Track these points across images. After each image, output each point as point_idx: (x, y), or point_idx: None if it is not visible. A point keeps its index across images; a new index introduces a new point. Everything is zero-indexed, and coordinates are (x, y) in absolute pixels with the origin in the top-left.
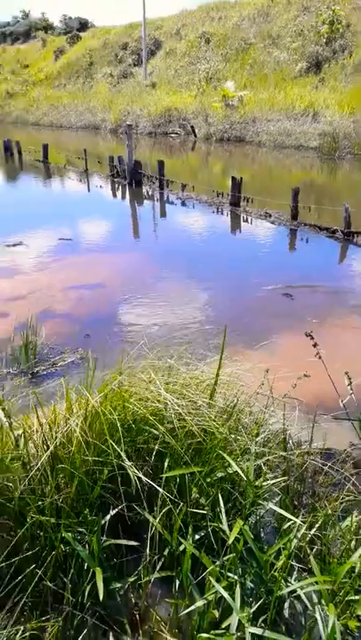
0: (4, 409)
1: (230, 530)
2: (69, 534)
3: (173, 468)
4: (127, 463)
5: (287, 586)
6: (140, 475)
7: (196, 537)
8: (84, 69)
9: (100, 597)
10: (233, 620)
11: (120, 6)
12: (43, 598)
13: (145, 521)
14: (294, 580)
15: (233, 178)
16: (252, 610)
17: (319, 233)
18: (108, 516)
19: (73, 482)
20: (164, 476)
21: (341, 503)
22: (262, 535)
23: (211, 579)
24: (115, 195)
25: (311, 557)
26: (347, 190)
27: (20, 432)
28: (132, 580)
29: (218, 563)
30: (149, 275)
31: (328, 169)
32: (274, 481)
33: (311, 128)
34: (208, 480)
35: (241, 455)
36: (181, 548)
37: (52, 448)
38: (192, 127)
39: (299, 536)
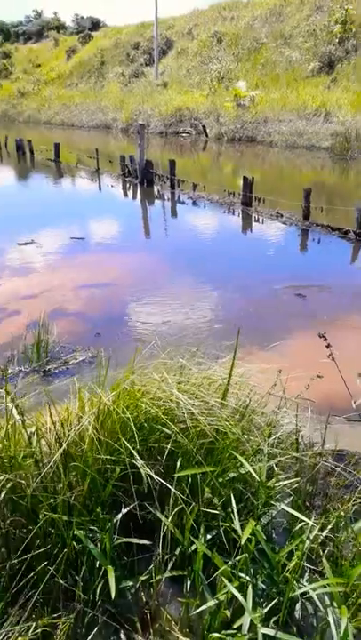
0: (17, 406)
1: (242, 530)
2: (81, 532)
3: (185, 468)
4: (139, 462)
5: (299, 587)
6: (152, 473)
7: (208, 537)
8: (95, 69)
9: (112, 595)
10: (245, 621)
11: (132, 6)
12: (54, 595)
13: (156, 520)
14: (306, 582)
15: (245, 177)
16: (265, 610)
17: (331, 233)
18: (119, 515)
19: (85, 480)
20: (177, 475)
21: (353, 505)
22: (274, 536)
23: (223, 578)
24: (126, 194)
25: (323, 559)
26: (359, 191)
27: (33, 429)
28: (143, 578)
29: (230, 563)
30: (160, 274)
31: (340, 169)
32: (286, 482)
33: (323, 128)
34: (220, 480)
35: (253, 456)
36: (193, 547)
37: (64, 446)
38: (203, 127)
39: (311, 537)
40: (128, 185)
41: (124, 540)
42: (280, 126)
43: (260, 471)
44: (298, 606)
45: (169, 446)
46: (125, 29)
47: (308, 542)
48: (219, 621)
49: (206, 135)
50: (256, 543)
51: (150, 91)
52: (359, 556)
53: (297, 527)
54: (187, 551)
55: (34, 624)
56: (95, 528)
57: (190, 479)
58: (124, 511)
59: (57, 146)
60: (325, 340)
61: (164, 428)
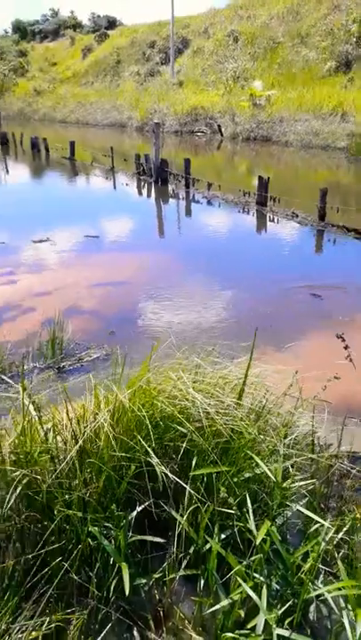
0: (33, 402)
1: (257, 530)
2: (96, 529)
3: (201, 467)
4: (155, 460)
5: (314, 589)
6: (167, 472)
7: (222, 536)
8: (111, 67)
9: (127, 593)
10: (259, 621)
11: (148, 5)
12: (68, 591)
13: (171, 518)
14: (321, 584)
15: (260, 177)
16: (281, 611)
17: (347, 234)
18: (134, 512)
19: (101, 477)
20: (192, 474)
21: None
22: (288, 537)
23: (238, 578)
24: (140, 192)
25: (339, 561)
26: None
27: (50, 426)
28: (156, 576)
29: (244, 563)
30: (175, 273)
31: (356, 169)
32: (302, 483)
33: (340, 128)
34: (235, 480)
35: (269, 456)
36: (207, 546)
37: (80, 442)
38: (219, 126)
39: (327, 539)
40: (143, 183)
41: (139, 537)
42: (296, 126)
43: (275, 472)
44: (312, 608)
45: (184, 445)
46: (141, 28)
47: (323, 544)
48: (232, 621)
49: (221, 134)
50: (271, 544)
51: (166, 89)
52: None
53: (312, 529)
54: (201, 550)
55: (47, 619)
56: (110, 525)
57: (205, 478)
58: (138, 509)
59: (72, 144)
60: (343, 340)
61: (179, 427)
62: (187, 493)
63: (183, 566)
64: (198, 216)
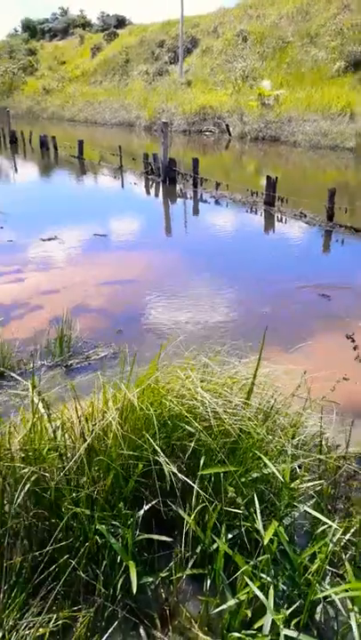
0: (43, 400)
1: (265, 531)
2: (103, 526)
3: (208, 466)
4: (162, 458)
5: (322, 590)
6: (176, 471)
7: (229, 536)
8: (120, 66)
9: (134, 591)
10: (266, 621)
11: (158, 4)
12: (75, 588)
13: (177, 517)
14: (328, 585)
15: (268, 177)
16: (288, 612)
17: (355, 235)
18: (141, 511)
19: (108, 475)
20: (200, 473)
21: None
22: (295, 538)
23: (246, 578)
24: (148, 192)
25: (346, 563)
26: None
27: (58, 423)
28: (163, 575)
29: (251, 563)
30: (182, 272)
31: None
32: (310, 484)
33: (348, 128)
34: (243, 480)
35: (277, 457)
36: (214, 546)
37: (89, 440)
38: (227, 126)
39: (334, 540)
40: (151, 183)
41: (147, 536)
42: (304, 126)
43: (283, 472)
44: (319, 609)
45: (192, 444)
46: (151, 27)
47: (331, 545)
48: (239, 621)
49: (229, 134)
50: (278, 544)
51: (174, 89)
52: None
53: (319, 530)
54: (208, 550)
55: (55, 616)
56: (117, 523)
57: (213, 478)
58: (146, 507)
59: (80, 143)
60: (353, 341)
61: (187, 426)
62: (194, 492)
63: (190, 565)
64: (206, 215)
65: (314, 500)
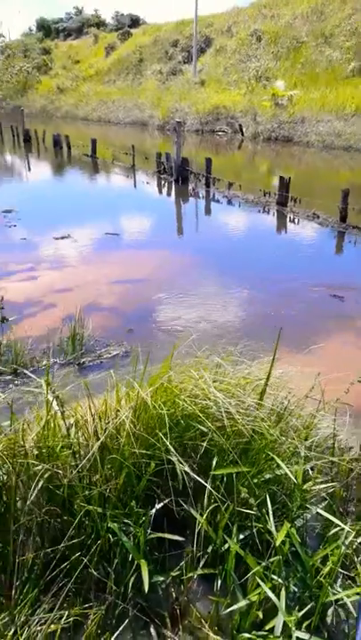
0: (57, 397)
1: (277, 532)
2: (115, 525)
3: (221, 467)
4: (175, 458)
5: (333, 593)
6: (189, 470)
7: (241, 536)
8: (133, 66)
9: (146, 589)
10: (278, 622)
11: (172, 3)
12: (86, 586)
13: (189, 517)
14: (339, 588)
15: (281, 177)
16: (301, 614)
17: None
18: (153, 510)
19: (121, 473)
20: (213, 473)
21: None
22: (307, 540)
23: (258, 579)
24: (161, 191)
25: (358, 565)
26: None
27: (72, 421)
28: (174, 574)
29: (263, 564)
30: (194, 272)
31: None
32: (323, 486)
33: None
34: (255, 481)
35: (289, 458)
36: (225, 546)
37: (102, 438)
38: (240, 126)
39: (347, 543)
40: (163, 182)
41: (159, 535)
42: (318, 126)
43: (296, 474)
44: (330, 612)
45: (205, 444)
46: (164, 27)
47: (343, 548)
48: (249, 622)
49: (242, 134)
50: (290, 546)
51: (188, 88)
52: None
53: (331, 532)
54: (219, 550)
55: (66, 613)
56: (129, 522)
57: (225, 478)
58: (158, 506)
59: (94, 142)
60: None
61: (200, 426)
62: (206, 492)
63: (201, 565)
64: (218, 215)
65: (326, 502)
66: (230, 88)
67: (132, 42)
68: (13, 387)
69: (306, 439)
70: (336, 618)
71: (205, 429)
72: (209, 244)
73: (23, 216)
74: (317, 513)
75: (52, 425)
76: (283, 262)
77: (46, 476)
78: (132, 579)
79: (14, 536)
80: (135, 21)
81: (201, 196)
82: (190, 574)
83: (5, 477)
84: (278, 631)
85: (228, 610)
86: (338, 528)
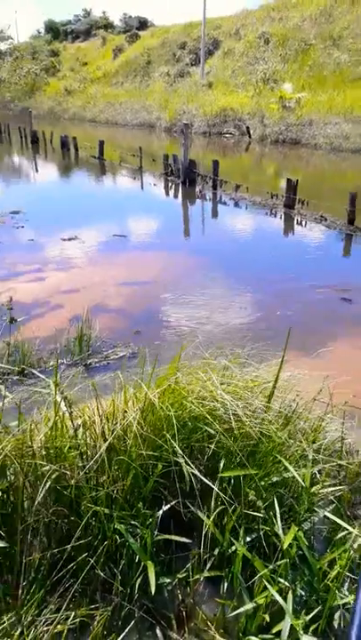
0: (65, 398)
1: (284, 535)
2: (122, 526)
3: (228, 469)
4: (183, 459)
5: (341, 597)
6: (197, 472)
7: (248, 539)
8: (141, 68)
9: (152, 591)
10: (285, 626)
11: (180, 5)
12: (92, 586)
13: (195, 519)
14: (347, 591)
15: (288, 180)
16: (308, 618)
17: None
18: (160, 511)
19: (128, 474)
20: (220, 475)
21: None
22: (314, 543)
23: (265, 582)
24: (168, 193)
25: None
26: None
27: (80, 422)
28: (180, 576)
29: (270, 567)
30: (201, 274)
31: None
32: (331, 489)
33: None
34: (262, 483)
35: (297, 461)
36: (232, 549)
37: (110, 439)
38: (247, 128)
39: (355, 547)
40: (170, 184)
41: (166, 536)
42: (325, 129)
43: (304, 477)
44: (337, 616)
45: (212, 446)
46: (172, 29)
47: (351, 551)
48: (256, 625)
49: (250, 136)
50: (297, 549)
51: (195, 91)
52: None
53: (339, 535)
54: (226, 552)
55: (72, 613)
56: (136, 523)
57: (233, 480)
58: (165, 507)
59: (101, 143)
60: None
61: (207, 428)
62: (213, 494)
63: (207, 567)
64: (225, 218)
65: (333, 505)
66: (238, 90)
67: (140, 44)
68: (21, 387)
69: (314, 442)
70: (343, 622)
71: (213, 431)
72: (216, 246)
73: (31, 217)
74: (325, 516)
75: (60, 426)
76: (290, 265)
77: (54, 476)
78: (139, 580)
79: (21, 536)
80: (143, 23)
81: (208, 198)
82: (197, 576)
83: (13, 478)
84: (285, 635)
85: (235, 612)
86: (345, 532)
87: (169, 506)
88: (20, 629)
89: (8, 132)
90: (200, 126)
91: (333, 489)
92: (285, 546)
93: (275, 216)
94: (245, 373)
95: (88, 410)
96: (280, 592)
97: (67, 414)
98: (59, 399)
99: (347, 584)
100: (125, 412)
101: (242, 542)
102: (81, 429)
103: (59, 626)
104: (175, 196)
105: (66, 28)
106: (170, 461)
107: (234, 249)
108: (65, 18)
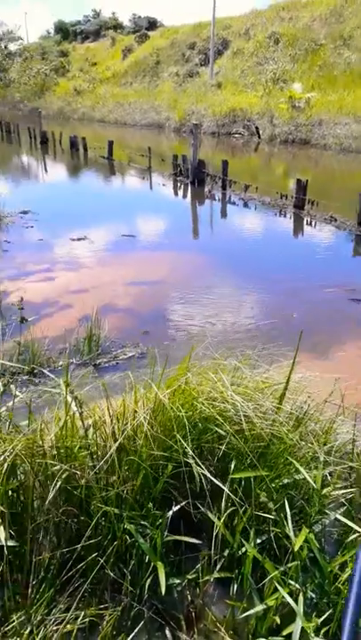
0: (75, 398)
1: (295, 537)
2: (132, 526)
3: (238, 470)
4: (193, 460)
5: None
6: (207, 473)
7: (258, 541)
8: (150, 68)
9: (163, 592)
10: (296, 628)
11: (189, 5)
12: (102, 586)
13: (205, 520)
14: None
15: (298, 180)
16: (320, 620)
17: None
18: (170, 512)
19: (138, 475)
20: (231, 477)
21: None
22: (325, 546)
23: (276, 584)
24: (177, 193)
25: None
26: None
27: (90, 422)
28: (190, 577)
29: (281, 569)
30: (209, 274)
31: None
32: (342, 492)
33: None
34: (273, 485)
35: (308, 463)
36: (242, 550)
37: (120, 439)
38: (256, 128)
39: None
40: (179, 184)
41: (176, 537)
42: (335, 129)
43: (315, 479)
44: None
45: (223, 447)
46: (182, 29)
47: None
48: (266, 627)
49: (259, 136)
50: (308, 551)
51: (204, 91)
52: None
53: (350, 538)
54: (236, 553)
55: (82, 613)
56: (146, 523)
57: (243, 482)
58: (175, 508)
59: (110, 143)
60: None
61: (217, 429)
62: (224, 496)
63: (217, 569)
64: (234, 218)
65: (345, 508)
66: (247, 90)
67: (150, 44)
68: (31, 386)
69: (325, 444)
70: None
71: (223, 432)
72: (224, 245)
73: (40, 217)
74: (336, 519)
75: (71, 425)
76: (299, 265)
77: (64, 476)
78: (148, 580)
79: (31, 535)
80: (152, 24)
81: (217, 198)
82: (207, 577)
83: (23, 477)
84: (296, 637)
85: (245, 614)
86: (356, 534)
87: (179, 506)
88: (29, 628)
89: (18, 133)
90: (209, 126)
91: (345, 491)
92: (297, 548)
93: (284, 216)
94: (256, 374)
95: (98, 410)
96: (290, 594)
97: (77, 414)
98: (69, 399)
99: None
100: (136, 412)
101: (252, 544)
102: (91, 429)
103: (68, 625)
104: (184, 196)
105: (75, 29)
106: (180, 462)
107: (243, 249)
108: (74, 18)
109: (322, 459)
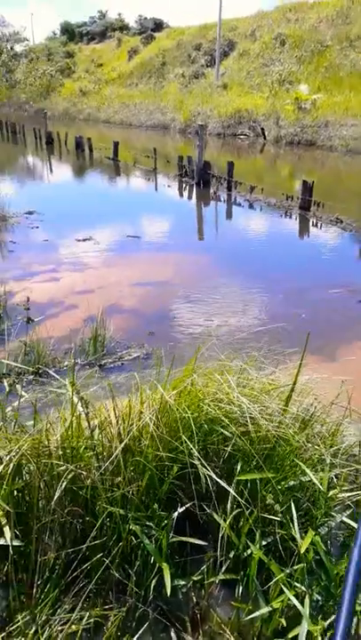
0: (82, 398)
1: (301, 539)
2: (137, 527)
3: (244, 472)
4: (199, 462)
5: (359, 603)
6: (213, 474)
7: (264, 543)
8: (156, 69)
9: (168, 593)
10: (302, 631)
11: (195, 7)
12: (107, 587)
13: (211, 521)
14: None
15: (304, 181)
16: (327, 623)
17: None
18: (176, 513)
19: (144, 475)
20: (237, 478)
21: None
22: (331, 548)
23: (282, 586)
24: (182, 194)
25: None
26: None
27: (96, 422)
28: (195, 578)
29: (287, 571)
30: (215, 275)
31: None
32: (349, 494)
33: None
34: (279, 487)
35: (314, 465)
36: (248, 552)
37: (126, 440)
38: (262, 129)
39: None
40: (184, 185)
41: (182, 538)
42: (341, 130)
43: (321, 481)
44: (354, 622)
45: (229, 449)
46: (188, 30)
47: None
48: (271, 629)
49: (265, 138)
50: (314, 554)
51: (210, 92)
52: None
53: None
54: (241, 555)
55: (87, 614)
56: (151, 524)
57: (249, 483)
58: (180, 509)
59: (115, 144)
60: None
61: (223, 430)
62: (230, 497)
63: (223, 570)
64: (240, 219)
65: (351, 510)
66: (253, 92)
67: (155, 45)
68: (37, 386)
69: (331, 446)
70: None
71: (229, 434)
72: (230, 247)
73: (45, 218)
74: (342, 521)
75: (76, 426)
76: (306, 267)
77: (70, 476)
78: (153, 582)
79: (36, 535)
80: (158, 25)
81: (222, 199)
82: (212, 579)
83: (29, 477)
84: (303, 639)
85: (250, 616)
86: None
87: (184, 508)
88: (34, 628)
89: (23, 133)
90: (215, 128)
91: (351, 494)
92: (303, 550)
93: (290, 218)
94: (262, 376)
95: (104, 410)
96: (296, 596)
97: (83, 414)
98: (75, 399)
99: None
100: (142, 412)
101: (258, 546)
102: (97, 430)
103: (73, 626)
104: (189, 197)
105: (81, 30)
106: (186, 463)
107: (248, 250)
108: (80, 20)
109: (328, 461)
